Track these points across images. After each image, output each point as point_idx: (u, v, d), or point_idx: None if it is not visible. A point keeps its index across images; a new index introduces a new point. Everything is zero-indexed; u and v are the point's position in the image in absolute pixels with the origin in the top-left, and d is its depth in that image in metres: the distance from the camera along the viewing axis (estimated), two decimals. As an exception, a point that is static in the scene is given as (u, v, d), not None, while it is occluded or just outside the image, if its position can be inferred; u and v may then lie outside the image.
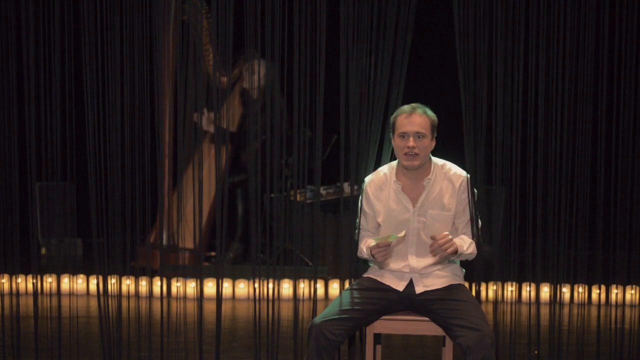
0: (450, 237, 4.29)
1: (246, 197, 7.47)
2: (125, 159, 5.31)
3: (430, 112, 4.42)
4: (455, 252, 4.34)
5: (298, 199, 5.62)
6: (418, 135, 4.35)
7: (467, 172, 4.58)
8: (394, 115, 4.48)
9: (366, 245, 4.50)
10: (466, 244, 4.40)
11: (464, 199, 4.45)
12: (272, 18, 5.16)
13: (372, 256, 4.39)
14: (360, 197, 4.59)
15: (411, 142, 4.35)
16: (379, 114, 5.06)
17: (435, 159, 4.49)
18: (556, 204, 5.21)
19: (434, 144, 4.43)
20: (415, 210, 4.43)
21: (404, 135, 4.38)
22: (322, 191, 7.33)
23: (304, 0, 5.13)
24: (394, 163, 4.52)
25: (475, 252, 4.45)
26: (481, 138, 5.00)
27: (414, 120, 4.37)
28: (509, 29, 5.07)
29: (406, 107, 4.44)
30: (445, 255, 4.32)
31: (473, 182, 4.57)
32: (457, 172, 4.48)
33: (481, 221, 4.57)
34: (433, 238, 4.29)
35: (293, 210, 5.63)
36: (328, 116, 5.18)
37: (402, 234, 4.36)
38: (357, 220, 4.65)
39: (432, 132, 4.40)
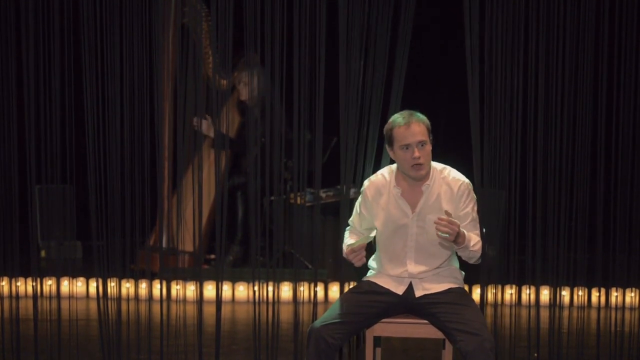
0: (457, 227, 4.22)
1: (246, 200, 7.47)
2: (125, 161, 5.32)
3: (423, 117, 4.38)
4: (455, 240, 4.27)
5: (298, 201, 5.62)
6: (421, 144, 4.32)
7: (477, 176, 4.55)
8: (388, 127, 4.39)
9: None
10: (473, 241, 4.37)
11: (462, 204, 4.43)
12: (272, 21, 5.16)
13: (350, 261, 4.38)
14: (358, 199, 4.58)
15: (416, 153, 4.31)
16: (376, 115, 5.08)
17: (435, 164, 4.46)
18: (556, 207, 5.21)
19: (431, 147, 4.40)
20: (414, 216, 4.41)
21: (407, 147, 4.33)
22: (322, 194, 7.33)
23: (304, 2, 5.14)
24: (394, 167, 4.50)
25: (480, 252, 4.42)
26: (484, 141, 5.01)
27: (414, 129, 4.32)
28: (509, 29, 5.08)
29: (400, 118, 4.36)
30: (443, 238, 4.27)
31: (481, 187, 4.54)
32: (456, 177, 4.45)
33: (483, 226, 4.55)
34: (448, 214, 4.24)
35: (293, 213, 5.64)
36: (328, 119, 5.19)
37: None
38: (350, 220, 4.63)
39: (430, 137, 4.38)
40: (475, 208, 4.46)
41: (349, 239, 4.57)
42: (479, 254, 4.42)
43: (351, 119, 5.12)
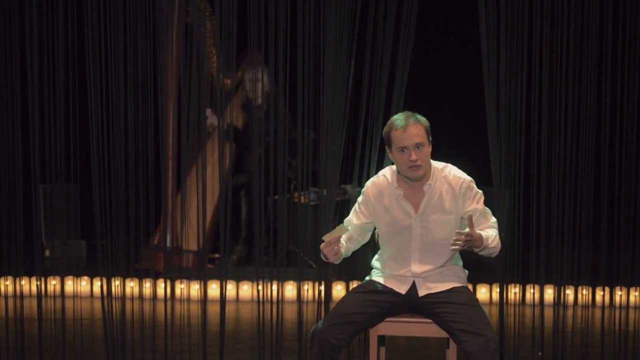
0: (468, 237, 4.22)
1: (250, 199, 7.47)
2: (129, 160, 5.32)
3: (421, 118, 4.36)
4: (473, 244, 4.27)
5: (302, 200, 5.63)
6: (418, 146, 4.31)
7: (497, 175, 4.53)
8: (386, 129, 4.37)
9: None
10: (491, 238, 4.33)
11: (468, 201, 4.41)
12: (275, 20, 5.16)
13: (325, 257, 4.32)
14: (358, 198, 4.56)
15: (413, 155, 4.30)
16: (379, 114, 5.08)
17: (435, 163, 4.44)
18: (560, 206, 5.21)
19: (431, 148, 4.39)
20: (418, 217, 4.40)
21: (404, 149, 4.32)
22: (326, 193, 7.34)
23: (308, 1, 5.14)
24: (395, 167, 4.49)
25: (499, 246, 4.41)
26: (503, 140, 5.02)
27: (411, 132, 4.31)
28: (512, 28, 5.07)
29: (398, 121, 4.34)
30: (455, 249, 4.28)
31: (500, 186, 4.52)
32: (457, 175, 4.43)
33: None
34: (471, 226, 4.22)
35: (297, 212, 5.64)
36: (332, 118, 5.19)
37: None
38: (346, 219, 4.59)
39: (429, 138, 4.36)
40: (482, 200, 4.43)
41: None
42: (499, 248, 4.40)
43: (338, 117, 5.13)
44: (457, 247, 4.22)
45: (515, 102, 5.12)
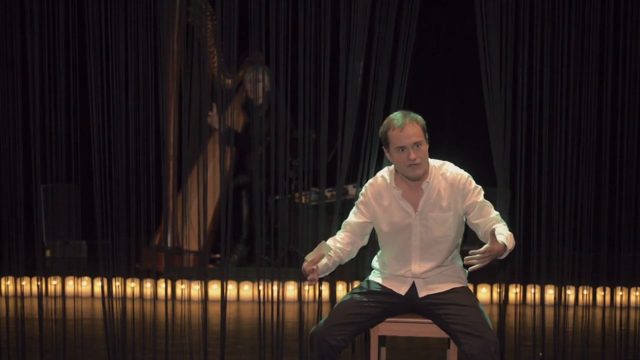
0: (490, 254, 4.17)
1: (251, 199, 7.47)
2: (129, 160, 5.32)
3: (417, 117, 4.36)
4: (500, 254, 4.26)
5: (303, 200, 5.62)
6: (416, 145, 4.31)
7: (499, 175, 4.54)
8: (383, 129, 4.38)
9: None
10: (507, 240, 4.28)
11: (468, 196, 4.40)
12: (276, 19, 5.16)
13: (306, 275, 4.29)
14: (357, 200, 4.55)
15: (412, 154, 4.30)
16: (379, 114, 5.08)
17: (432, 161, 4.45)
18: (561, 206, 5.21)
19: (428, 146, 4.38)
20: (417, 215, 4.40)
21: (402, 149, 4.32)
22: (327, 193, 7.35)
23: (309, 1, 5.14)
24: (392, 168, 4.49)
25: (514, 241, 4.37)
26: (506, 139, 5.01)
27: (408, 131, 4.30)
28: (512, 25, 5.07)
29: (395, 120, 4.34)
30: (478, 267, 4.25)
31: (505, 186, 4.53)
32: (454, 172, 4.43)
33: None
34: (493, 241, 4.18)
35: (298, 212, 5.64)
36: (333, 118, 5.19)
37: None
38: (345, 222, 4.57)
39: (426, 136, 4.36)
40: (482, 194, 4.41)
41: (329, 240, 4.51)
42: (514, 243, 4.37)
43: (349, 117, 5.13)
44: (477, 266, 4.18)
45: (516, 102, 5.11)
